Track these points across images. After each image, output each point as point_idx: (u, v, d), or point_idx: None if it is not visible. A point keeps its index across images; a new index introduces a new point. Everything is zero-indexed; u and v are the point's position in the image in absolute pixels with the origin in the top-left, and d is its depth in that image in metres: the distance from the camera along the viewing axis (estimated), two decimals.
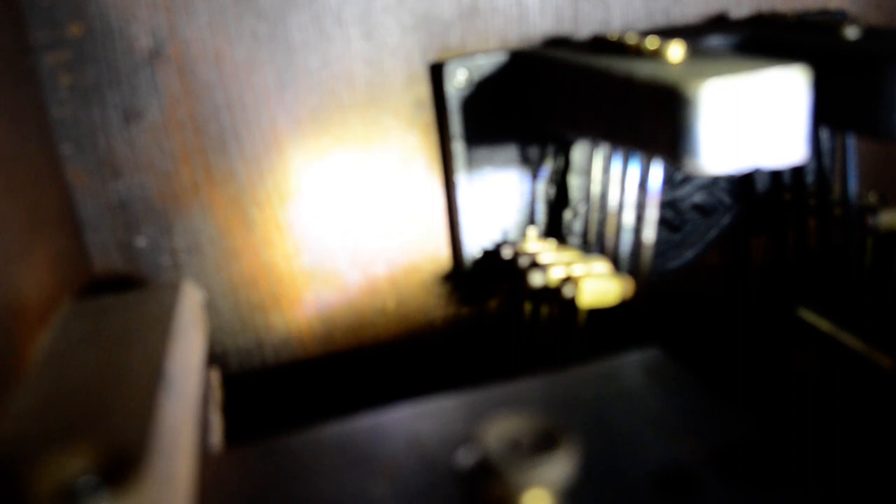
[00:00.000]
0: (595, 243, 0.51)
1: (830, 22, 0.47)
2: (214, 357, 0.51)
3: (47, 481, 0.22)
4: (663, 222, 0.56)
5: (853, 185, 0.50)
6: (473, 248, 0.53)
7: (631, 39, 0.44)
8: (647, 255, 0.46)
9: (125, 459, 0.23)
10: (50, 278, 0.40)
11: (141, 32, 0.46)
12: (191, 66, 0.47)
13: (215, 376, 0.45)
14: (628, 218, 0.46)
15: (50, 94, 0.45)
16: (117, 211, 0.48)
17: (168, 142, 0.47)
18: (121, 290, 0.43)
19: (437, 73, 0.50)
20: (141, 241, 0.48)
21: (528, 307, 0.49)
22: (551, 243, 0.51)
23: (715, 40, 0.49)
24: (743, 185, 0.57)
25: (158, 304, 0.39)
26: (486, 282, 0.54)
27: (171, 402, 0.30)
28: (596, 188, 0.49)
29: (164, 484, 0.25)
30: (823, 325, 0.45)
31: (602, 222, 0.50)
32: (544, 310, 0.48)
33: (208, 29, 0.46)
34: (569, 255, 0.48)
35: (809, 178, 0.55)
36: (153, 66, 0.46)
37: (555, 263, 0.47)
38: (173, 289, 0.41)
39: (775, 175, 0.56)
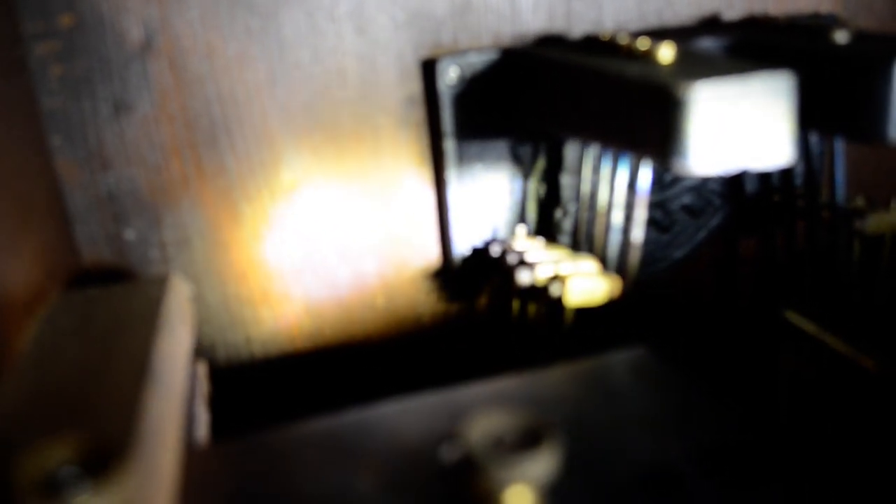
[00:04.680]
0: (584, 242, 0.51)
1: (821, 25, 0.47)
2: (202, 351, 0.51)
3: (29, 472, 0.22)
4: (652, 223, 0.56)
5: (841, 189, 0.51)
6: (463, 245, 0.53)
7: (623, 40, 0.44)
8: (635, 254, 0.46)
9: (109, 452, 0.23)
10: (37, 270, 0.39)
11: (132, 24, 0.45)
12: (182, 60, 0.47)
13: (202, 370, 0.45)
14: (617, 218, 0.46)
15: (40, 85, 0.45)
16: (106, 203, 0.48)
17: (158, 135, 0.47)
18: (109, 282, 0.43)
19: (429, 70, 0.50)
20: (130, 234, 0.48)
21: (515, 305, 0.49)
22: (539, 242, 0.51)
23: (706, 42, 0.49)
24: (732, 186, 0.57)
25: (146, 297, 0.39)
26: (475, 279, 0.54)
27: (157, 395, 0.30)
28: (586, 188, 0.49)
29: (148, 477, 0.25)
30: (809, 327, 0.45)
31: (591, 222, 0.50)
32: (531, 308, 0.48)
33: (200, 22, 0.46)
34: (557, 253, 0.48)
35: (798, 181, 0.55)
36: (144, 59, 0.46)
37: (542, 262, 0.47)
38: (161, 282, 0.41)
39: (764, 177, 0.56)
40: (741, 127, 0.36)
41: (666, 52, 0.40)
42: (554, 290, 0.45)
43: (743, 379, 0.52)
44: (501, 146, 0.52)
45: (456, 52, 0.50)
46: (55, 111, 0.46)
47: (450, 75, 0.50)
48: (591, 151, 0.48)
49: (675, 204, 0.56)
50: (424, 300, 0.55)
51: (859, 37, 0.45)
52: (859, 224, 0.51)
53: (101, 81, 0.46)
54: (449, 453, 0.30)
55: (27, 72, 0.44)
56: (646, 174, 0.45)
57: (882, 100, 0.41)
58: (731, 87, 0.36)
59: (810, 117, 0.44)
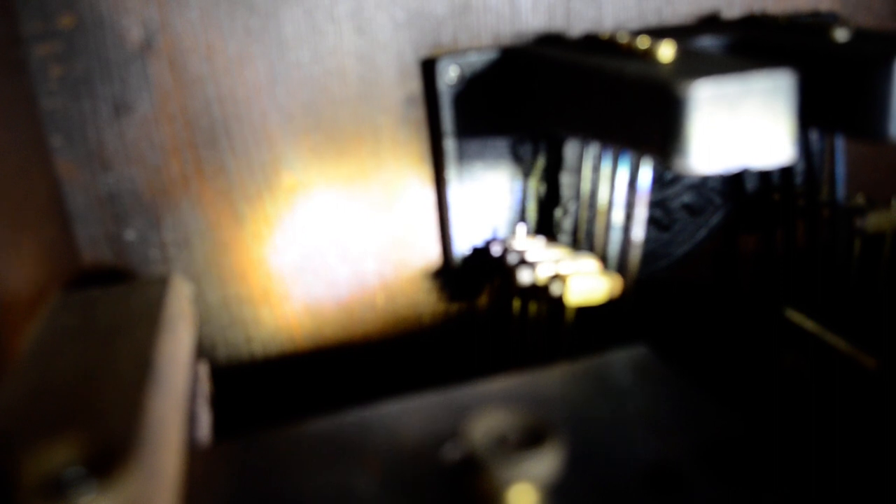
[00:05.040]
0: (584, 241, 0.51)
1: (821, 24, 0.48)
2: (203, 351, 0.51)
3: (34, 473, 0.22)
4: (653, 222, 0.56)
5: (841, 187, 0.51)
6: (463, 244, 0.53)
7: (622, 38, 0.44)
8: (635, 253, 0.46)
9: (112, 452, 0.23)
10: (38, 270, 0.39)
11: (132, 24, 0.45)
12: (182, 60, 0.47)
13: (204, 370, 0.45)
14: (618, 216, 0.46)
15: (40, 86, 0.45)
16: (106, 203, 0.48)
17: (158, 135, 0.47)
18: (109, 282, 0.43)
19: (428, 69, 0.50)
20: (130, 234, 0.48)
21: (516, 305, 0.49)
22: (540, 241, 0.51)
23: (706, 41, 0.49)
24: (732, 185, 0.57)
25: (147, 298, 0.39)
26: (476, 279, 0.54)
27: (159, 395, 0.30)
28: (586, 186, 0.49)
29: (151, 477, 0.25)
30: (810, 325, 0.45)
31: (592, 220, 0.50)
32: (532, 307, 0.48)
33: (200, 22, 0.46)
34: (558, 252, 0.48)
35: (799, 179, 0.55)
36: (144, 59, 0.46)
37: (543, 261, 0.47)
38: (162, 282, 0.41)
39: (764, 175, 0.56)
40: (742, 125, 0.36)
41: (666, 51, 0.40)
42: (555, 290, 0.45)
43: (743, 377, 0.52)
44: (501, 145, 0.52)
45: (456, 52, 0.50)
46: (55, 111, 0.46)
47: (450, 75, 0.50)
48: (592, 150, 0.48)
49: (676, 202, 0.56)
50: (425, 300, 0.55)
51: (859, 35, 0.45)
52: (859, 222, 0.51)
53: (101, 82, 0.46)
54: (451, 452, 0.31)
55: (27, 72, 0.44)
56: (646, 173, 0.45)
57: (882, 98, 0.41)
58: (732, 85, 0.36)
59: (810, 115, 0.44)
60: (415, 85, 0.51)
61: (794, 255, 0.54)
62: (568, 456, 0.29)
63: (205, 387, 0.43)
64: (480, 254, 0.53)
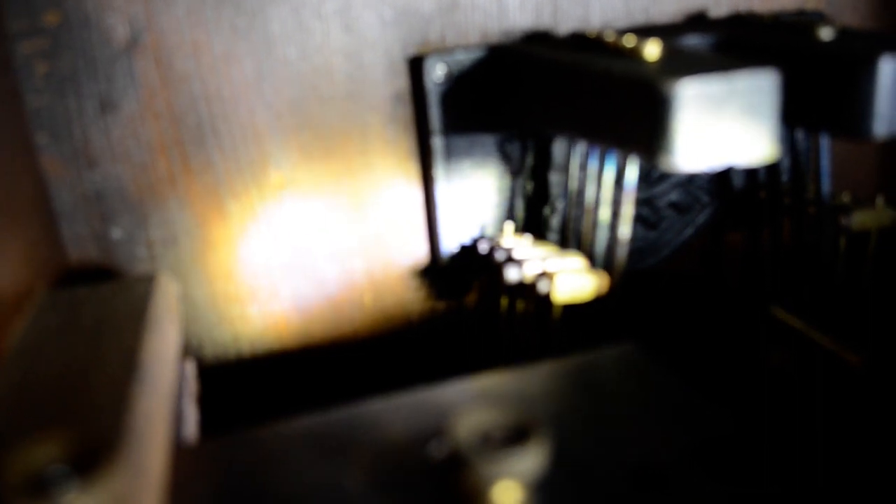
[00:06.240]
0: (572, 239, 0.51)
1: (806, 23, 0.48)
2: (190, 349, 0.51)
3: (17, 470, 0.21)
4: (640, 220, 0.56)
5: (826, 185, 0.51)
6: (451, 243, 0.53)
7: (609, 37, 0.44)
8: (622, 251, 0.47)
9: (97, 450, 0.23)
10: (24, 268, 0.39)
11: (118, 22, 0.45)
12: (168, 57, 0.47)
13: (191, 368, 0.45)
14: (605, 214, 0.47)
15: (26, 83, 0.45)
16: (93, 201, 0.47)
17: (145, 133, 0.47)
18: (96, 281, 0.43)
19: (416, 67, 0.50)
20: (116, 232, 0.48)
21: (503, 302, 0.49)
22: (528, 239, 0.51)
23: (692, 39, 0.49)
24: (719, 183, 0.58)
25: (133, 296, 0.39)
26: (463, 277, 0.54)
27: (145, 393, 0.30)
28: (573, 184, 0.49)
29: (136, 475, 0.25)
30: (795, 322, 0.45)
31: (579, 219, 0.50)
32: (520, 305, 0.48)
33: (186, 19, 0.46)
34: (545, 250, 0.49)
35: (785, 177, 0.55)
36: (130, 57, 0.46)
37: (530, 259, 0.47)
38: (149, 280, 0.41)
39: (751, 173, 0.57)
40: (726, 123, 0.37)
41: (652, 49, 0.40)
42: (542, 287, 0.45)
43: (730, 374, 0.53)
44: (489, 143, 0.52)
45: (443, 50, 0.50)
46: (41, 109, 0.45)
47: (437, 73, 0.50)
48: (579, 148, 0.48)
49: (663, 201, 0.57)
50: (412, 298, 0.55)
51: (844, 34, 0.46)
52: (845, 220, 0.52)
53: (87, 79, 0.46)
54: (437, 450, 0.31)
55: (12, 69, 0.44)
56: (633, 171, 0.45)
57: (866, 96, 0.41)
58: (717, 83, 0.36)
59: (796, 114, 0.44)
60: (402, 83, 0.51)
61: (780, 253, 0.54)
62: (554, 453, 0.29)
63: (191, 385, 0.43)
64: (468, 252, 0.53)
